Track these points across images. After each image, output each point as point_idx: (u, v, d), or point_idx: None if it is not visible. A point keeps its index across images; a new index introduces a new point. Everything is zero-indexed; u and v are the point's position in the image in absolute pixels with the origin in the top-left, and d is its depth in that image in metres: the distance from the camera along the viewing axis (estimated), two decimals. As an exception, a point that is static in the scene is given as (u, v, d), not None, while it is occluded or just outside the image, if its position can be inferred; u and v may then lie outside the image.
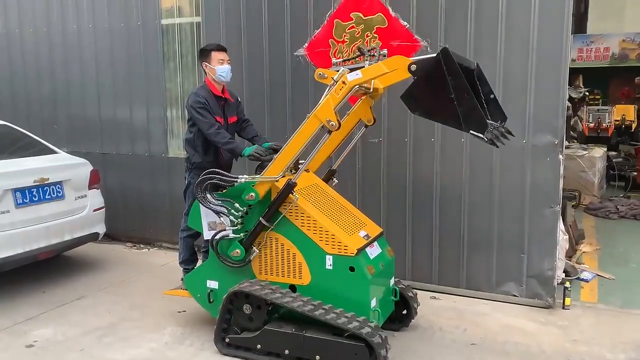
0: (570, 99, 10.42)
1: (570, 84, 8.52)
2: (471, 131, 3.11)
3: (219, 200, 3.62)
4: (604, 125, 11.02)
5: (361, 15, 4.82)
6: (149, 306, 4.54)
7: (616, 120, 11.18)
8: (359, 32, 4.85)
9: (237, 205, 3.59)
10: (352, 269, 3.42)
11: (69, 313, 4.43)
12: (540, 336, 3.97)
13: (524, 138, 4.38)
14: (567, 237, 5.13)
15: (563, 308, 4.45)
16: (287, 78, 5.23)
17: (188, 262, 4.56)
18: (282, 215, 3.55)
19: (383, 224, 4.57)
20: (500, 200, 4.55)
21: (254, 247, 3.63)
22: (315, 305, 3.40)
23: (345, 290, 3.44)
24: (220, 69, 4.23)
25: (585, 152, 8.81)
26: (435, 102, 3.18)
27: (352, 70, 3.42)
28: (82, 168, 5.36)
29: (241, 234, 3.63)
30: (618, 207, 7.92)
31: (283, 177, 3.54)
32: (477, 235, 4.66)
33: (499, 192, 4.55)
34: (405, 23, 4.66)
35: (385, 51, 3.65)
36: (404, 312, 4.04)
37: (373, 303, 3.46)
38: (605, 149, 9.74)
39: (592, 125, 11.09)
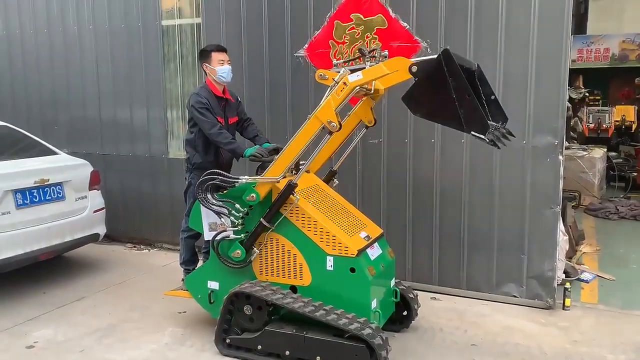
0: (570, 100, 10.44)
1: (570, 85, 8.54)
2: (472, 132, 3.11)
3: (220, 201, 3.62)
4: (604, 126, 11.00)
5: (361, 16, 4.82)
6: (149, 307, 4.54)
7: (616, 121, 11.17)
8: (359, 33, 4.85)
9: (237, 206, 3.59)
10: (352, 270, 3.42)
11: (70, 314, 4.43)
12: (541, 337, 3.97)
13: (524, 139, 4.38)
14: (567, 237, 5.13)
15: (563, 309, 4.45)
16: (287, 79, 5.24)
17: (189, 262, 4.56)
18: (282, 216, 3.55)
19: (383, 225, 4.57)
20: (500, 201, 4.56)
21: (255, 248, 3.63)
22: (316, 306, 3.40)
23: (346, 291, 3.44)
24: (220, 69, 4.23)
25: (585, 153, 8.81)
26: (436, 103, 3.18)
27: (353, 71, 3.42)
28: (82, 169, 5.36)
29: (242, 235, 3.64)
30: (618, 207, 7.93)
31: (284, 178, 3.54)
32: (477, 236, 4.66)
33: (499, 193, 4.55)
34: (405, 24, 4.67)
35: (386, 52, 3.65)
36: (405, 313, 4.04)
37: (374, 304, 3.47)
38: (605, 150, 9.74)
39: (592, 126, 11.08)
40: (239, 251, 3.63)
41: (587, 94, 12.44)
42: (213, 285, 3.83)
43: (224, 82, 4.30)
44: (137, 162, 6.29)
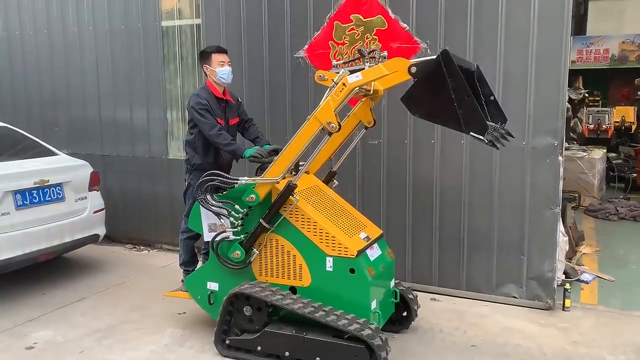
0: (570, 101, 10.43)
1: (570, 86, 8.55)
2: (471, 133, 3.11)
3: (220, 202, 3.62)
4: (603, 126, 11.00)
5: (361, 17, 4.82)
6: (149, 308, 4.54)
7: (616, 122, 11.16)
8: (358, 34, 4.85)
9: (237, 207, 3.59)
10: (352, 270, 3.42)
11: (69, 315, 4.43)
12: (540, 338, 3.97)
13: (524, 140, 4.38)
14: (567, 238, 5.13)
15: (563, 310, 4.45)
16: (287, 80, 5.24)
17: (188, 263, 4.56)
18: (282, 217, 3.55)
19: (383, 226, 4.57)
20: (500, 201, 4.56)
21: (254, 249, 3.63)
22: (316, 307, 3.40)
23: (345, 292, 3.44)
24: (220, 71, 4.23)
25: (585, 154, 8.81)
26: (436, 104, 3.18)
27: (352, 72, 3.42)
28: (82, 170, 5.36)
29: (241, 236, 3.64)
30: (618, 208, 7.92)
31: (283, 178, 3.55)
32: (477, 237, 4.66)
33: (499, 193, 4.55)
34: (405, 25, 4.67)
35: (385, 53, 3.65)
36: (404, 314, 4.04)
37: (373, 305, 3.47)
38: (605, 151, 9.73)
39: (591, 126, 11.07)
40: (238, 252, 3.63)
41: (586, 95, 12.44)
42: (213, 286, 3.83)
43: (224, 84, 4.30)
44: (136, 163, 6.30)
